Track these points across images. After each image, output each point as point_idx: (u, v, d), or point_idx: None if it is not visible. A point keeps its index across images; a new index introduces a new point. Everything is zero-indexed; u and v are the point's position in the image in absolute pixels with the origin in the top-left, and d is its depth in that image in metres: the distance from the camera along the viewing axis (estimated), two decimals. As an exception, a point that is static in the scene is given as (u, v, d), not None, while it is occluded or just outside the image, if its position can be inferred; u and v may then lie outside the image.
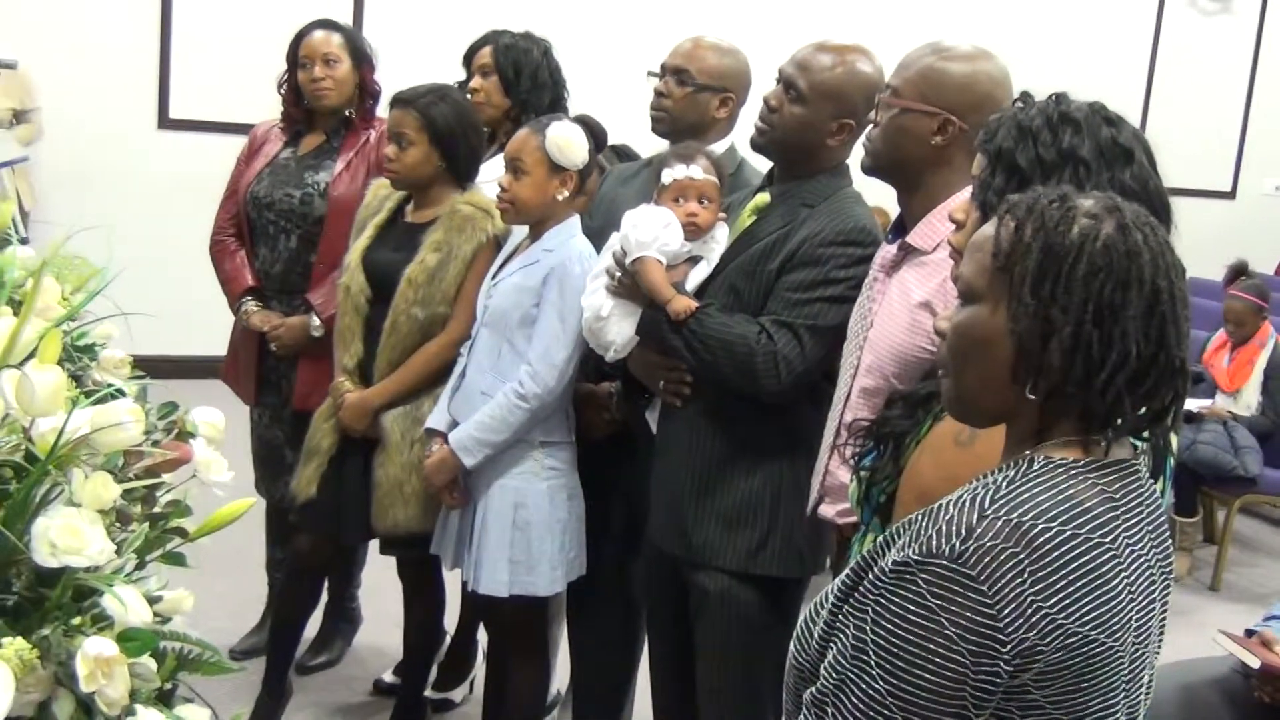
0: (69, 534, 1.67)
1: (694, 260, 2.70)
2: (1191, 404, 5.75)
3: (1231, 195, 10.39)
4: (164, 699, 1.81)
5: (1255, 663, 2.94)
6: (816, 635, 1.44)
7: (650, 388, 2.76)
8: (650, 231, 2.63)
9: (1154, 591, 1.40)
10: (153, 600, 1.80)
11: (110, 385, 2.16)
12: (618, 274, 2.66)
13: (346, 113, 3.66)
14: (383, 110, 3.50)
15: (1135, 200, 1.51)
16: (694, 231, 2.69)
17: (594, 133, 3.01)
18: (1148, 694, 1.49)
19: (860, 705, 1.33)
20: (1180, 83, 9.83)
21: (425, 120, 3.13)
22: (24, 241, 2.48)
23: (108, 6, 6.92)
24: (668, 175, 2.74)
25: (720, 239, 2.73)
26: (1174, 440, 1.90)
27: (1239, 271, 7.28)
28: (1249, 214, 10.24)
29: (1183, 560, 5.70)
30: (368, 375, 3.23)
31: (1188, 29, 9.85)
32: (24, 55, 6.50)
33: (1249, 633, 3.08)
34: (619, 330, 2.68)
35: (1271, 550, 6.28)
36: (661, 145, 3.09)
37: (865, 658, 1.33)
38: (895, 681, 1.30)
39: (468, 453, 2.93)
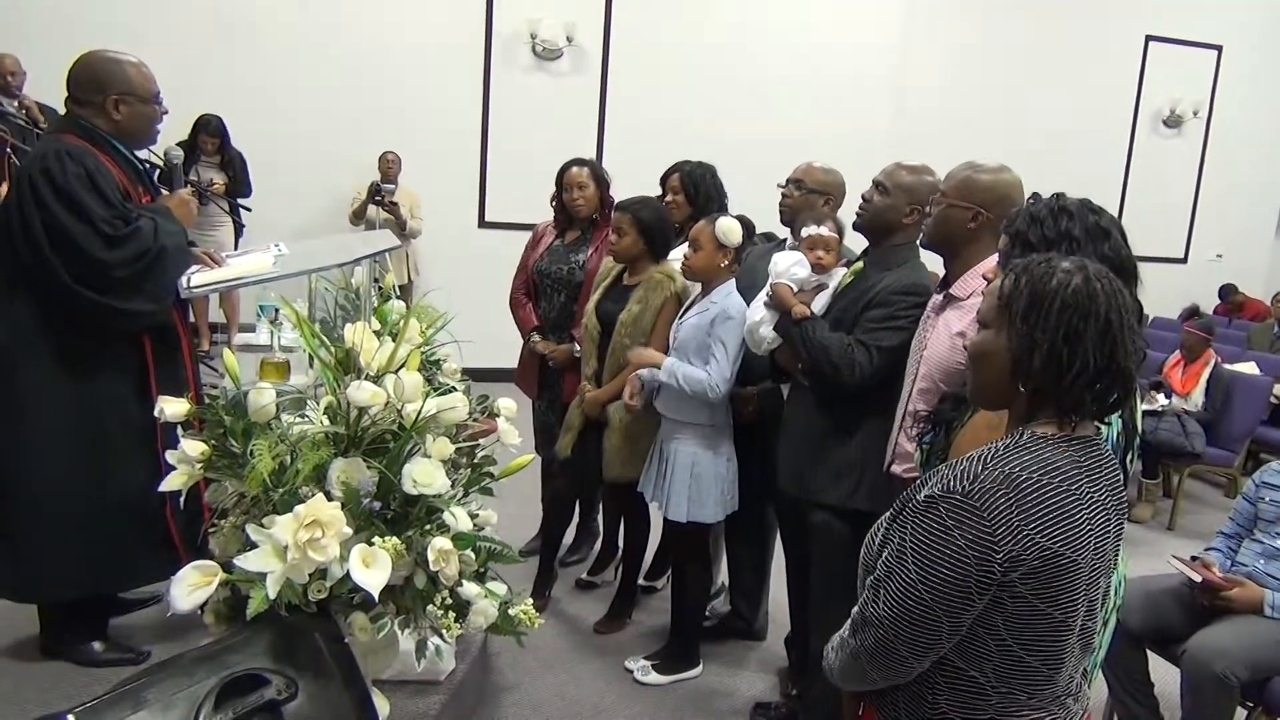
0: (424, 474, 1.76)
1: (822, 287, 2.66)
2: (1158, 404, 5.45)
3: (1184, 260, 9.78)
4: (479, 578, 1.88)
5: (1197, 578, 2.81)
6: (878, 542, 1.43)
7: (791, 371, 2.70)
8: (783, 266, 2.63)
9: (1109, 526, 1.33)
10: (472, 516, 1.88)
11: (449, 385, 2.26)
12: (769, 294, 2.66)
13: (594, 216, 3.67)
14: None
15: (1112, 265, 1.45)
16: (819, 269, 2.66)
17: (745, 225, 2.99)
18: (1105, 597, 1.42)
19: (900, 587, 1.31)
20: (1148, 181, 9.36)
21: (636, 220, 3.17)
22: (398, 296, 2.61)
23: (443, 155, 7.18)
24: (805, 231, 2.71)
25: (838, 275, 2.67)
26: (1139, 425, 1.82)
27: (1192, 312, 6.83)
28: (1196, 273, 9.67)
29: (1147, 509, 5.42)
30: (599, 381, 3.27)
31: (1153, 144, 9.39)
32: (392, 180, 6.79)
33: (1193, 558, 2.93)
34: (769, 330, 2.64)
35: (1210, 503, 5.87)
36: (782, 233, 3.02)
37: (905, 557, 1.31)
38: (922, 573, 1.29)
39: (666, 372, 2.91)
